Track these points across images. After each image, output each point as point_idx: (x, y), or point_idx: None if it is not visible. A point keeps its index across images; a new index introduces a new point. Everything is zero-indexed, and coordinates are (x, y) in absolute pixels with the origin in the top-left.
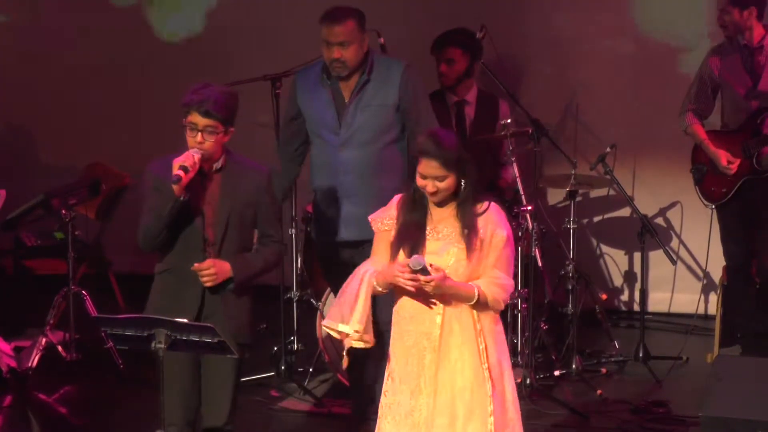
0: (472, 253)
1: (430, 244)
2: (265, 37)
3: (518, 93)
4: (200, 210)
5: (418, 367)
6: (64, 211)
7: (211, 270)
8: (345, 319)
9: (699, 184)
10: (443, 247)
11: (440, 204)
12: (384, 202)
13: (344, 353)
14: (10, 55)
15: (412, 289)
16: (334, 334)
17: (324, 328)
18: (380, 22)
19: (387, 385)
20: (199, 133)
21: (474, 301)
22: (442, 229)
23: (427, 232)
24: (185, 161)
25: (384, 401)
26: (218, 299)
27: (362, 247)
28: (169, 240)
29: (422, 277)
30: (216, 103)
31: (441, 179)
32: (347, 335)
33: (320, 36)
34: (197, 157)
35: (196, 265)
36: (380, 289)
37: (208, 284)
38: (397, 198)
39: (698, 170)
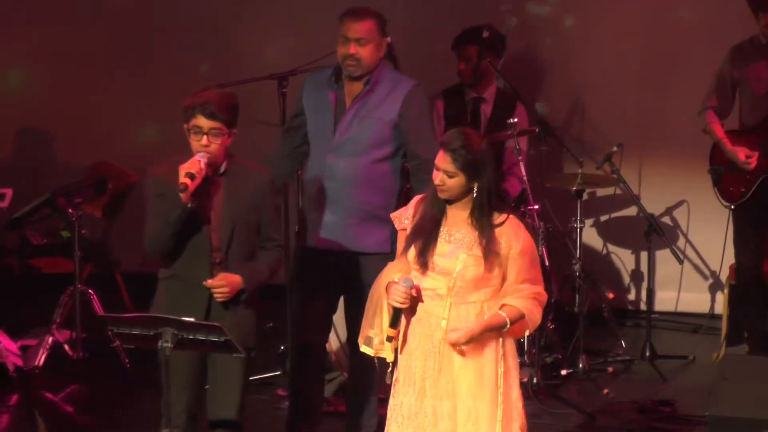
0: (489, 262)
1: (441, 245)
2: (272, 36)
3: (525, 93)
4: (205, 215)
5: (422, 369)
6: (70, 210)
7: (224, 288)
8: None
9: (717, 185)
10: (453, 251)
11: (449, 202)
12: (364, 216)
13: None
14: (16, 52)
15: (402, 306)
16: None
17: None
18: (388, 19)
19: (394, 388)
20: (204, 136)
21: (507, 326)
22: (455, 232)
23: (440, 233)
24: (191, 168)
25: (391, 402)
26: (225, 304)
27: (336, 258)
28: (176, 245)
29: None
30: (219, 104)
31: (450, 175)
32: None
33: (339, 32)
34: (203, 162)
35: (208, 281)
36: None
37: (221, 299)
38: (417, 197)
39: (715, 171)
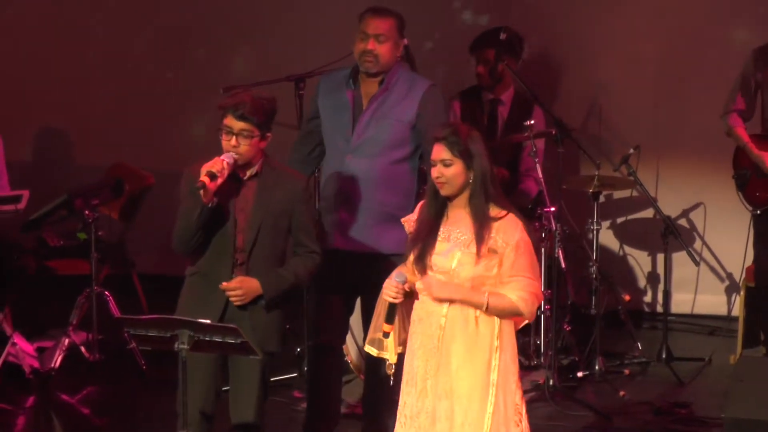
0: (481, 250)
1: (440, 245)
2: (289, 38)
3: (541, 94)
4: (233, 215)
5: (424, 369)
6: (87, 212)
7: (239, 291)
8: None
9: (742, 189)
10: (449, 250)
11: (451, 199)
12: (383, 216)
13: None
14: (34, 53)
15: (395, 300)
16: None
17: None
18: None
19: (402, 387)
20: (234, 137)
21: (484, 307)
22: (455, 231)
23: (439, 233)
24: (213, 167)
25: (399, 402)
26: (242, 306)
27: (354, 258)
28: (202, 243)
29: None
30: (252, 107)
31: (446, 164)
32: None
33: (357, 29)
34: (227, 162)
35: (224, 284)
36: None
37: (237, 303)
38: (422, 201)
39: (741, 176)
